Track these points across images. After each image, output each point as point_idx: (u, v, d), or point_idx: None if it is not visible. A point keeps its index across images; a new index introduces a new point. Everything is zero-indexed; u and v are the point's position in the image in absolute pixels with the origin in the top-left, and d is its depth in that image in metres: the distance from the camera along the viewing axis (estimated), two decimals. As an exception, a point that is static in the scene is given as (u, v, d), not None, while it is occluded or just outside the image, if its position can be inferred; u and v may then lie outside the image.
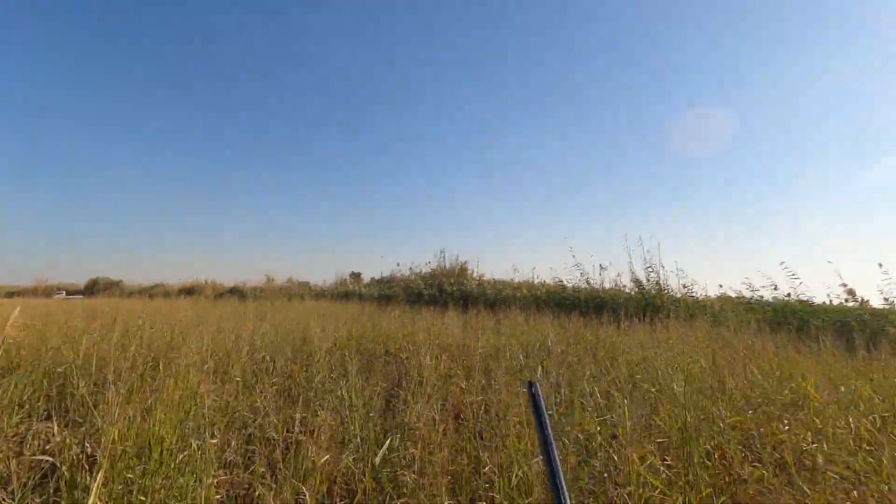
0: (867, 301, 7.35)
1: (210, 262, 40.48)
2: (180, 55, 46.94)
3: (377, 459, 2.43)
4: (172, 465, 2.17)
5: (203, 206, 46.31)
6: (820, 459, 2.31)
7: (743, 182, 31.76)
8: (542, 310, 8.33)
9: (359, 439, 2.65)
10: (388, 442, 2.60)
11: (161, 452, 2.22)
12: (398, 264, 19.02)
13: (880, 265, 7.38)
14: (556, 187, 35.85)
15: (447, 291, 14.14)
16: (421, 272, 16.93)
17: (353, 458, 2.52)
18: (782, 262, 8.53)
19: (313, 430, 2.79)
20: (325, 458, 2.42)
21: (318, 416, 2.94)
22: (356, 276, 24.09)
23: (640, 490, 2.15)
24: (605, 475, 2.35)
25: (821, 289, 8.17)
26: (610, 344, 5.10)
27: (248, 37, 44.37)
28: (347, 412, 3.00)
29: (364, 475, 2.36)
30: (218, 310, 10.20)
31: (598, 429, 2.69)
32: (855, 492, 2.10)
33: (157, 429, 2.34)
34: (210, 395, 3.06)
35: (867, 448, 2.45)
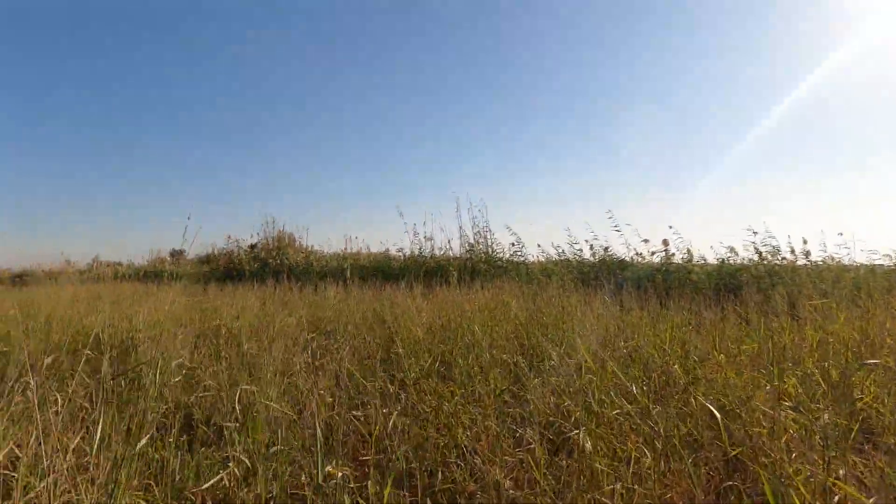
0: (672, 255, 7.69)
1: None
2: None
3: None
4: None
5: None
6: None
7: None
8: (368, 281, 7.78)
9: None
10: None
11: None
12: (230, 237, 15.81)
13: (670, 227, 7.97)
14: (385, 150, 32.68)
15: (270, 265, 12.50)
16: (245, 245, 14.90)
17: None
18: (609, 213, 8.33)
19: None
20: None
21: None
22: (177, 254, 20.58)
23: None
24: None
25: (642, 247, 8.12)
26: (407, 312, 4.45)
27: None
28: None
29: None
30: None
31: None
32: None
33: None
34: None
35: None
